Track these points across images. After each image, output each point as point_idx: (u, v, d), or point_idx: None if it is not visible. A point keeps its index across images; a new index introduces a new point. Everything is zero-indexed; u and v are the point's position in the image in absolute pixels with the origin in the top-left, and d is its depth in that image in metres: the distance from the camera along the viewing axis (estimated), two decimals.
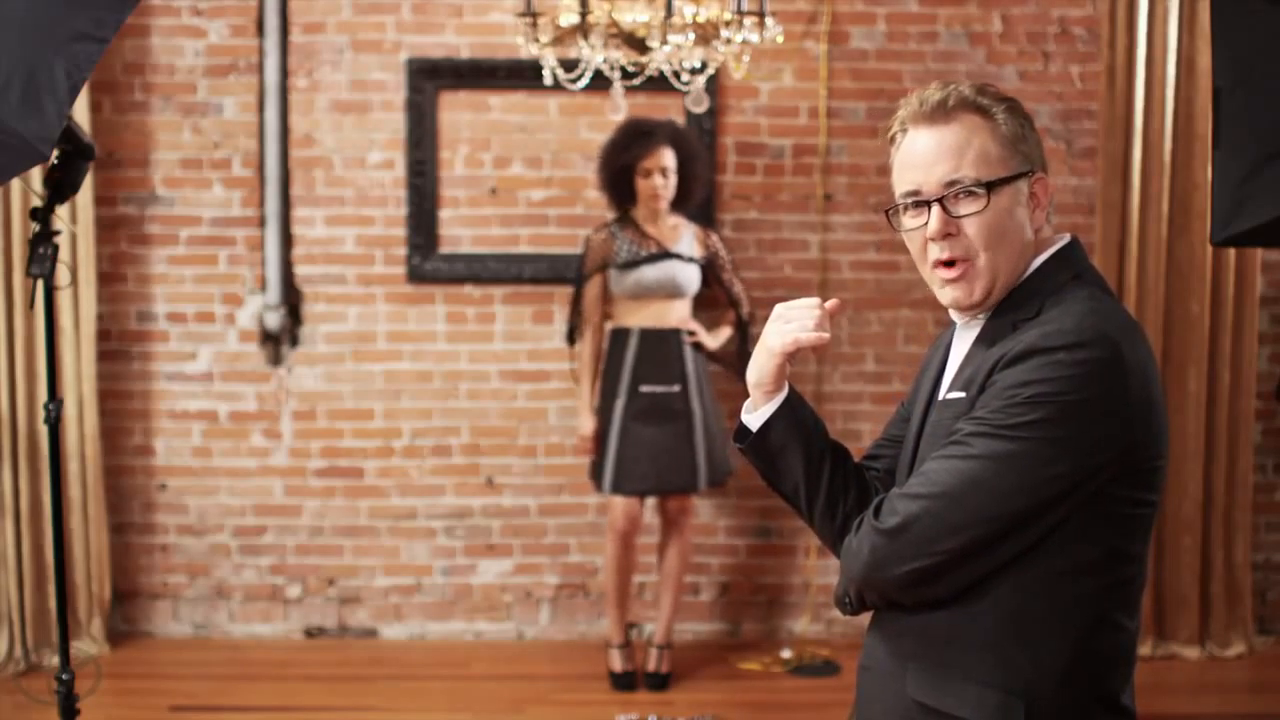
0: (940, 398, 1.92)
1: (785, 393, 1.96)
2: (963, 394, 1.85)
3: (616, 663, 4.78)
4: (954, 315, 1.97)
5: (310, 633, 5.24)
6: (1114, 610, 1.81)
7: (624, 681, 4.74)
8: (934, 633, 1.83)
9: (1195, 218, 4.91)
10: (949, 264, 1.88)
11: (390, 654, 5.09)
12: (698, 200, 4.82)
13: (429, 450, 5.20)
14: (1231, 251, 4.93)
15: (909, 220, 1.92)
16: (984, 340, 1.89)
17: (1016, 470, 1.73)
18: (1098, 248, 5.02)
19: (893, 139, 2.00)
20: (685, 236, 4.73)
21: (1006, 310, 1.88)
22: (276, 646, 5.15)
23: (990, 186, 1.86)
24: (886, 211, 1.96)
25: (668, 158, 4.63)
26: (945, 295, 1.91)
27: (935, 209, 1.88)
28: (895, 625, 1.89)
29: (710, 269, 4.76)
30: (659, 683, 4.74)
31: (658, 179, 4.62)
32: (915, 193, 1.90)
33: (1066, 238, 1.94)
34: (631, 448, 4.65)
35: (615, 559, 4.76)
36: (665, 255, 4.67)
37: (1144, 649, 5.07)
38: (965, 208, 1.86)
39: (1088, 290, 1.85)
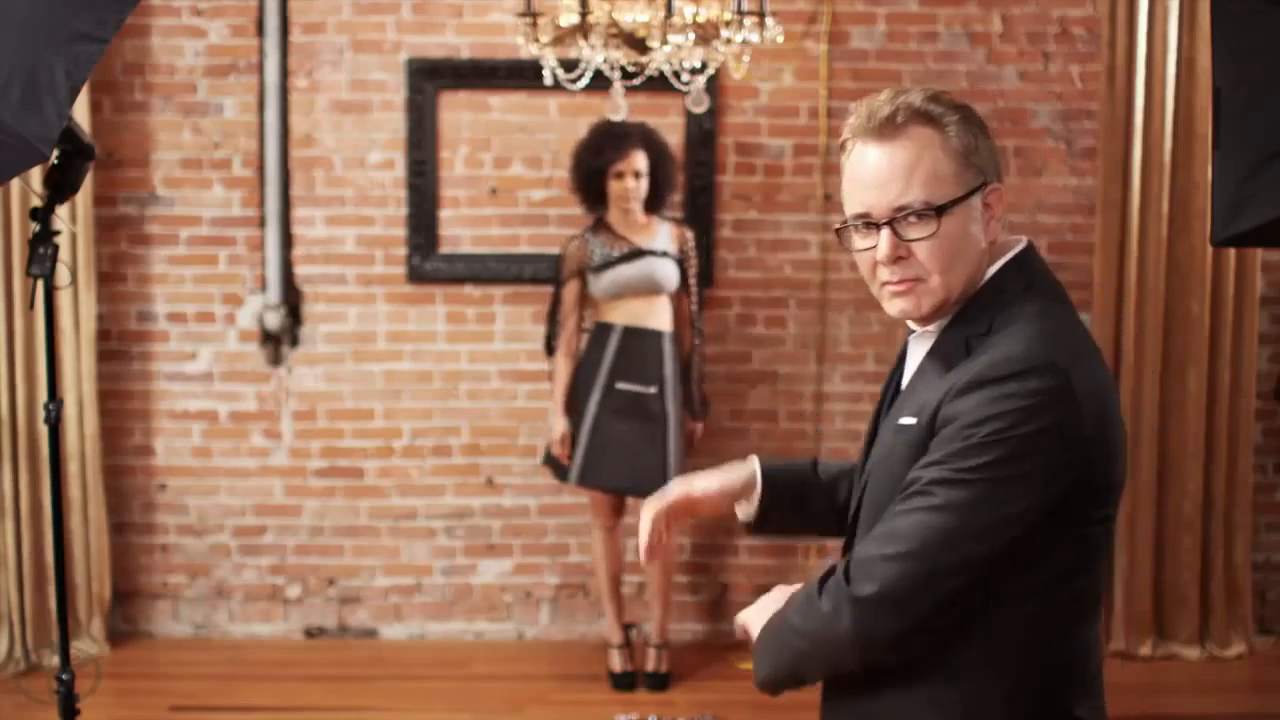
0: (894, 420, 1.87)
1: (759, 485, 2.02)
2: (914, 420, 1.81)
3: (616, 663, 4.78)
4: (909, 324, 1.93)
5: (310, 633, 5.24)
6: (1065, 624, 1.79)
7: (624, 681, 4.74)
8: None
9: (1195, 217, 4.91)
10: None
11: (390, 654, 5.09)
12: (668, 201, 4.85)
13: (429, 450, 5.20)
14: (1231, 251, 4.93)
15: (859, 241, 1.88)
16: (937, 355, 1.86)
17: (982, 514, 1.71)
18: (1098, 248, 5.02)
19: (843, 146, 1.93)
20: (660, 233, 4.74)
21: (960, 324, 1.85)
22: (276, 646, 5.15)
23: (941, 210, 1.82)
24: (838, 230, 1.92)
25: (640, 160, 4.65)
26: (893, 306, 1.88)
27: (885, 232, 1.83)
28: None
29: (680, 267, 4.76)
30: (659, 683, 4.74)
31: (630, 181, 4.64)
32: (865, 215, 1.85)
33: (1022, 243, 1.92)
34: (602, 442, 4.65)
35: (599, 553, 4.81)
36: (640, 253, 4.68)
37: (1144, 649, 5.08)
38: (916, 232, 1.82)
39: (1039, 305, 1.83)
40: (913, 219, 1.82)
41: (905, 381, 1.92)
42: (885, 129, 1.87)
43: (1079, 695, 1.82)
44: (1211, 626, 5.13)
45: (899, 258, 1.84)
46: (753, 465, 2.12)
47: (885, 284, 1.86)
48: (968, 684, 1.78)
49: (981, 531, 1.71)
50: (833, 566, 1.82)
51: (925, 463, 1.75)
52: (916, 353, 1.92)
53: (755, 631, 1.92)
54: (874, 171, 1.85)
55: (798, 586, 1.93)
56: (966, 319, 1.84)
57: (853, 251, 1.89)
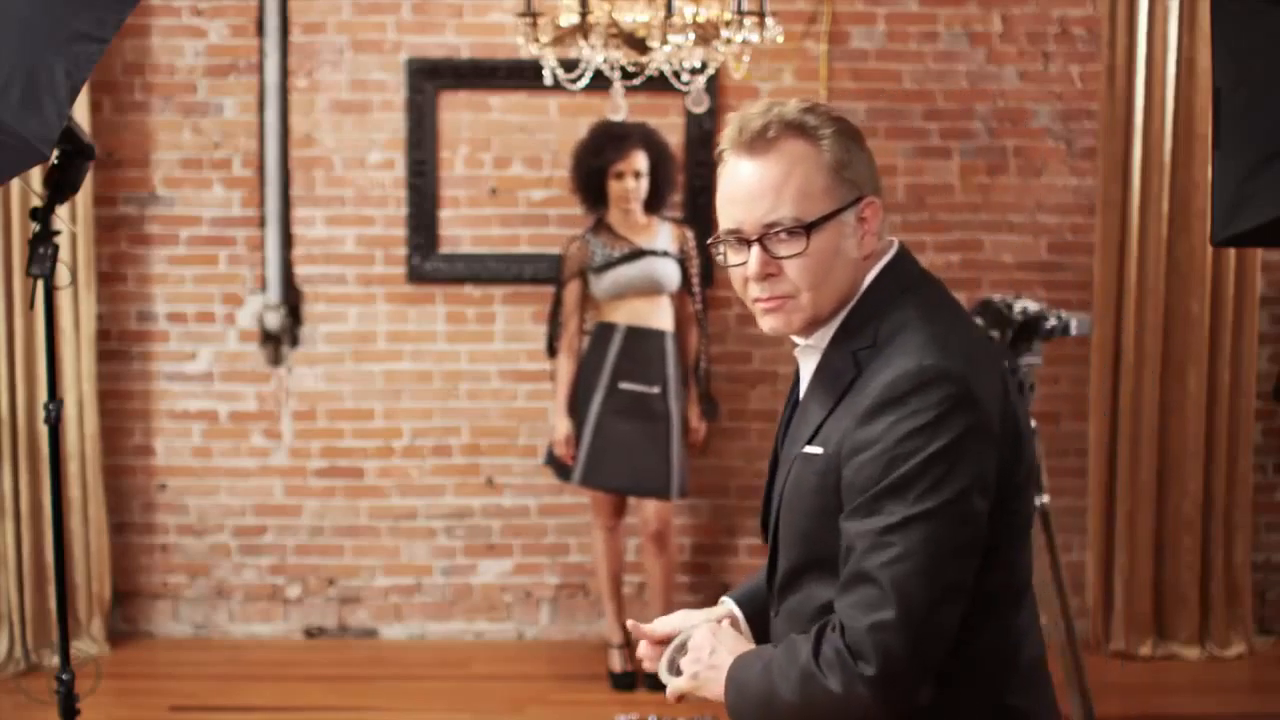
0: (798, 445, 1.85)
1: (741, 621, 2.00)
2: (820, 450, 1.80)
3: (616, 663, 4.78)
4: (791, 338, 1.92)
5: (310, 633, 5.24)
6: (989, 614, 1.80)
7: (624, 681, 4.74)
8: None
9: (1195, 217, 4.91)
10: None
11: (390, 654, 5.09)
12: (668, 201, 4.85)
13: (429, 450, 5.20)
14: (1231, 251, 4.93)
15: (732, 256, 1.86)
16: (826, 373, 1.86)
17: (945, 542, 1.70)
18: (1098, 248, 5.02)
19: (719, 158, 1.89)
20: (661, 232, 4.74)
21: (844, 338, 1.85)
22: (276, 646, 5.15)
23: (811, 227, 1.81)
24: (709, 244, 1.92)
25: (640, 160, 4.65)
26: (765, 323, 1.87)
27: (755, 249, 1.82)
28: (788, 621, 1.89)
29: (680, 266, 4.76)
30: (659, 683, 4.72)
31: (630, 181, 4.64)
32: (736, 231, 1.84)
33: (894, 247, 1.91)
34: (605, 441, 4.66)
35: (600, 552, 4.81)
36: (640, 253, 4.68)
37: (1144, 649, 5.08)
38: (786, 249, 1.81)
39: (919, 309, 1.82)
40: (783, 235, 1.81)
41: (804, 397, 1.91)
42: (756, 142, 1.83)
43: (1012, 684, 1.84)
44: (1211, 626, 5.13)
45: (769, 274, 1.83)
46: (728, 605, 2.05)
47: (756, 300, 1.85)
48: None
49: (954, 555, 1.71)
50: (811, 633, 1.77)
51: (859, 506, 1.73)
52: (806, 368, 1.92)
53: (707, 691, 1.90)
54: (745, 187, 1.83)
55: (701, 615, 1.94)
56: (849, 332, 1.84)
57: (725, 266, 1.89)
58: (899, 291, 1.85)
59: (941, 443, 1.70)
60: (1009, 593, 1.84)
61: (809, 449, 1.82)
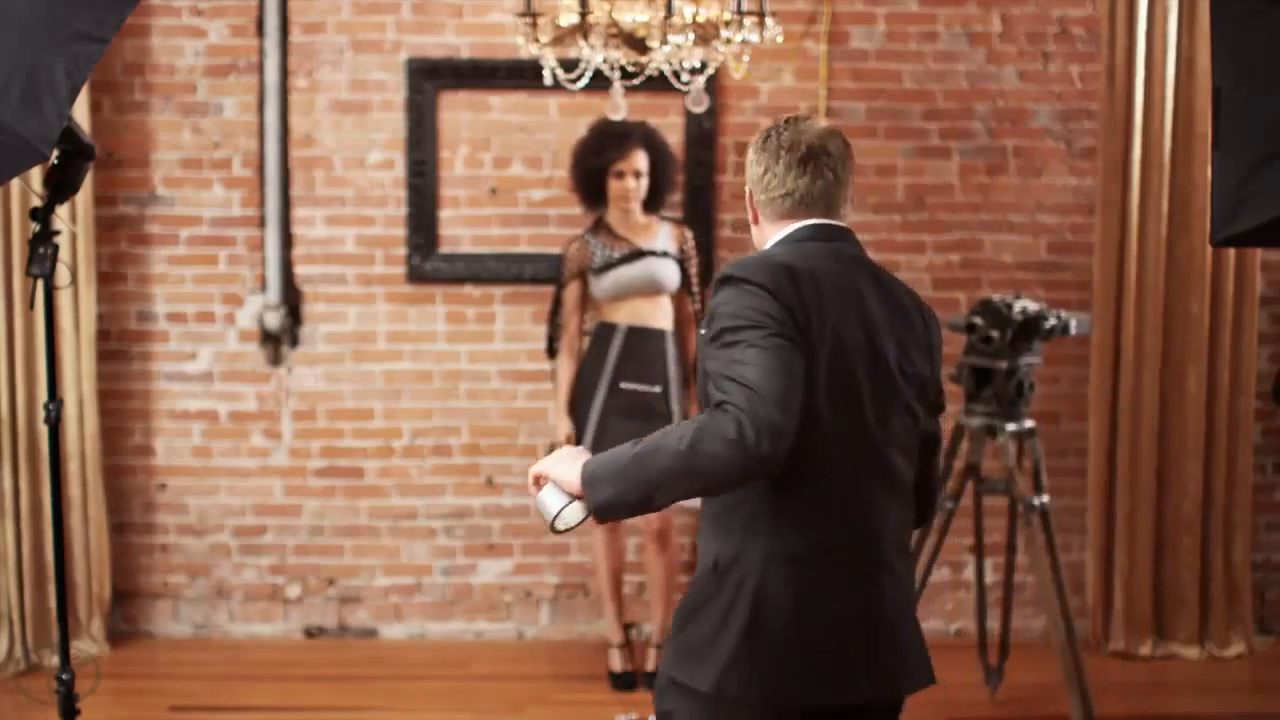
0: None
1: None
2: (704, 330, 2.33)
3: (616, 663, 4.78)
4: None
5: (310, 633, 5.24)
6: (776, 479, 2.24)
7: (624, 681, 4.75)
8: (705, 510, 2.38)
9: (1195, 217, 4.91)
10: None
11: (390, 654, 5.09)
12: (667, 201, 4.85)
13: (429, 450, 5.20)
14: (1231, 251, 4.93)
15: None
16: None
17: (766, 355, 2.20)
18: (1097, 247, 5.02)
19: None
20: (661, 233, 4.74)
21: None
22: (276, 646, 5.16)
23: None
24: None
25: (640, 160, 4.65)
26: None
27: None
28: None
29: (680, 266, 4.76)
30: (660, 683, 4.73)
31: (630, 181, 4.64)
32: None
33: (790, 228, 2.43)
34: (607, 441, 4.65)
35: (600, 552, 4.81)
36: (640, 254, 4.68)
37: (1143, 649, 5.08)
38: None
39: (764, 253, 2.43)
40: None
41: None
42: None
43: (795, 541, 2.29)
44: (1211, 626, 5.13)
45: None
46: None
47: None
48: (727, 521, 2.32)
49: (781, 363, 2.19)
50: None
51: (709, 351, 2.28)
52: None
53: (568, 474, 2.26)
54: None
55: (580, 449, 2.34)
56: None
57: None
58: (778, 245, 2.43)
59: (734, 308, 2.26)
60: (790, 478, 2.25)
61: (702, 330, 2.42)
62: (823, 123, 2.44)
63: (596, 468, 2.23)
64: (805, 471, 2.25)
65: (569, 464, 2.27)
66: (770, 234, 2.45)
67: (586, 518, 2.27)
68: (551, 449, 4.81)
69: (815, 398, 2.24)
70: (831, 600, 2.29)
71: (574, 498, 2.26)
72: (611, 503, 2.21)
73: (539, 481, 2.33)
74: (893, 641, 2.35)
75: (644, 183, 4.68)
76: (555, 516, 2.28)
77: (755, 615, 2.25)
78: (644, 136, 4.70)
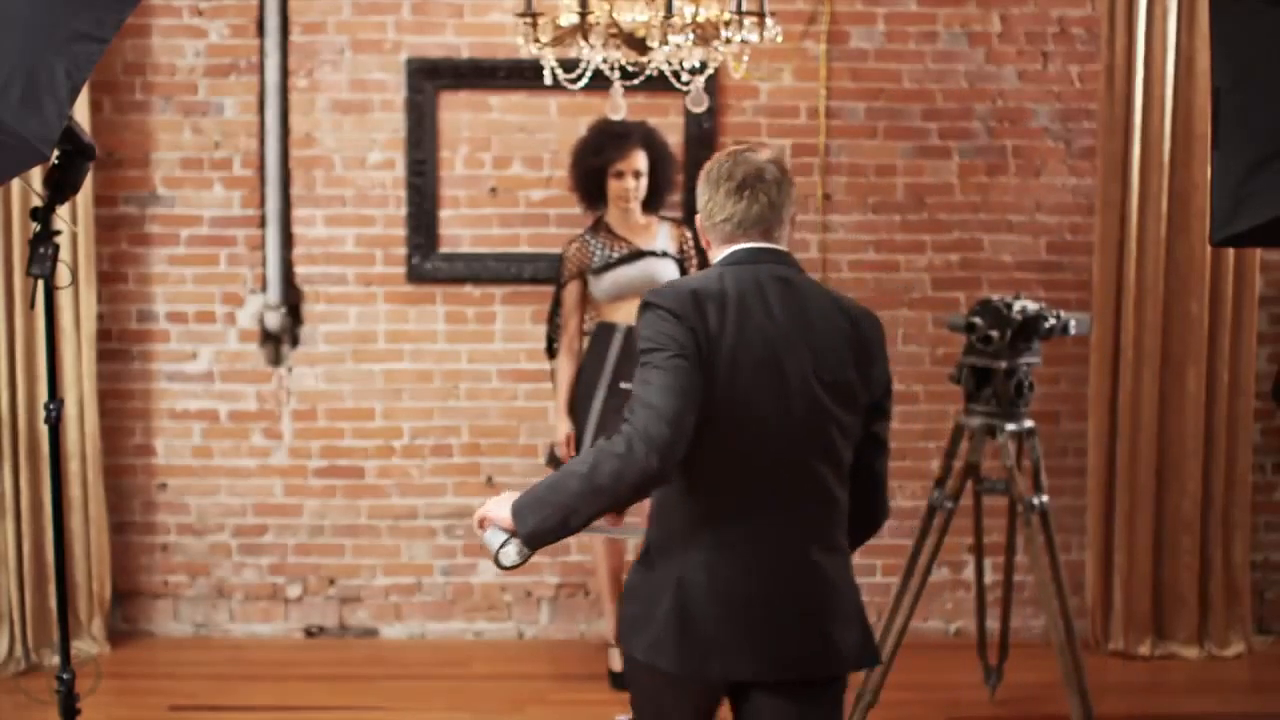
0: None
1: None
2: None
3: (616, 662, 4.78)
4: None
5: (310, 632, 5.25)
6: (691, 481, 2.54)
7: (624, 681, 4.74)
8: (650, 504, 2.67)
9: (1194, 217, 4.92)
10: None
11: (390, 654, 5.09)
12: (666, 201, 4.85)
13: (429, 450, 5.20)
14: (1230, 251, 4.94)
15: None
16: None
17: (665, 378, 2.50)
18: (1097, 247, 5.03)
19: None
20: (660, 233, 4.74)
21: None
22: (276, 646, 5.16)
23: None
24: None
25: (640, 160, 4.65)
26: None
27: None
28: None
29: (680, 266, 4.76)
30: None
31: (629, 180, 4.64)
32: None
33: (728, 250, 2.64)
34: None
35: (600, 552, 4.82)
36: (640, 254, 4.68)
37: (1143, 648, 5.08)
38: None
39: (701, 274, 2.67)
40: None
41: None
42: None
43: (700, 526, 2.57)
44: (1210, 626, 5.14)
45: None
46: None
47: None
48: (660, 509, 2.64)
49: (676, 385, 2.46)
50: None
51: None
52: None
53: (501, 512, 2.54)
54: None
55: (509, 494, 2.58)
56: None
57: None
58: (713, 267, 2.67)
59: (649, 332, 2.53)
60: (703, 480, 2.54)
61: None
62: (764, 154, 2.63)
63: (520, 501, 2.51)
64: (716, 474, 2.54)
65: (502, 503, 2.55)
66: (715, 257, 2.67)
67: (526, 552, 2.55)
68: (551, 449, 4.82)
69: (718, 408, 2.49)
70: (744, 588, 2.54)
71: (511, 534, 2.53)
72: (536, 530, 2.50)
73: (483, 524, 2.59)
74: (807, 627, 2.57)
75: (643, 183, 4.68)
76: (496, 553, 2.56)
77: (677, 598, 2.55)
78: (643, 136, 4.71)
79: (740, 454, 2.54)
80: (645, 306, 2.56)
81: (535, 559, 5.42)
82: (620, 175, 4.65)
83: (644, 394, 2.47)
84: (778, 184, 2.63)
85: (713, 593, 2.54)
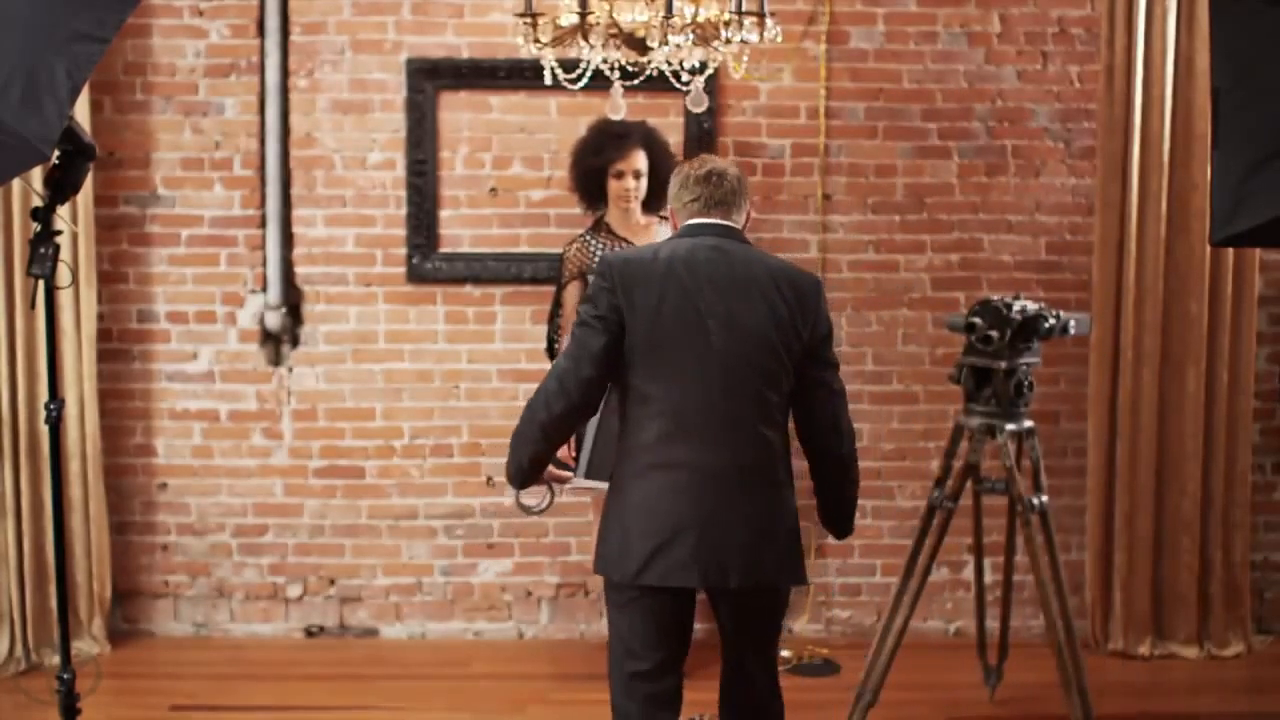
0: None
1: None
2: None
3: None
4: None
5: (310, 632, 5.25)
6: (630, 425, 3.12)
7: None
8: None
9: (1194, 217, 4.92)
10: None
11: (390, 654, 5.10)
12: (666, 201, 4.84)
13: (429, 450, 5.20)
14: (1230, 251, 4.94)
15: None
16: None
17: (576, 339, 3.11)
18: (1096, 247, 5.03)
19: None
20: (661, 233, 4.74)
21: None
22: (277, 646, 5.16)
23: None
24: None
25: (640, 160, 4.65)
26: None
27: None
28: None
29: None
30: None
31: (630, 181, 4.65)
32: None
33: (680, 228, 3.23)
34: (608, 439, 4.65)
35: None
36: None
37: (1142, 648, 5.08)
38: None
39: (652, 245, 3.23)
40: None
41: None
42: None
43: (645, 452, 3.09)
44: (1210, 626, 5.14)
45: None
46: None
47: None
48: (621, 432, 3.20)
49: (581, 345, 3.06)
50: None
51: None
52: None
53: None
54: None
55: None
56: None
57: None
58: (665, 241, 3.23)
59: (590, 290, 3.14)
60: (635, 395, 3.09)
61: None
62: (726, 162, 3.28)
63: None
64: (647, 410, 3.06)
65: None
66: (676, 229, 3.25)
67: (529, 500, 3.47)
68: None
69: (642, 357, 3.03)
70: (676, 509, 3.03)
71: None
72: (513, 473, 3.16)
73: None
74: (730, 544, 3.03)
75: (644, 183, 4.68)
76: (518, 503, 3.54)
77: (623, 522, 3.09)
78: (643, 136, 4.71)
79: (669, 399, 3.04)
80: (597, 266, 3.14)
81: (535, 559, 5.45)
82: (620, 175, 4.65)
83: (564, 349, 3.16)
84: (738, 179, 3.22)
85: (650, 512, 3.04)
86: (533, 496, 3.21)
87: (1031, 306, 4.08)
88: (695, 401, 3.03)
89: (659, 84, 3.91)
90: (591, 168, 4.69)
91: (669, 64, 3.71)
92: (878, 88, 5.18)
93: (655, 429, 3.06)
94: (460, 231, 5.17)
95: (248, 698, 4.62)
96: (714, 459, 3.04)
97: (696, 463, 3.04)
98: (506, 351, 5.19)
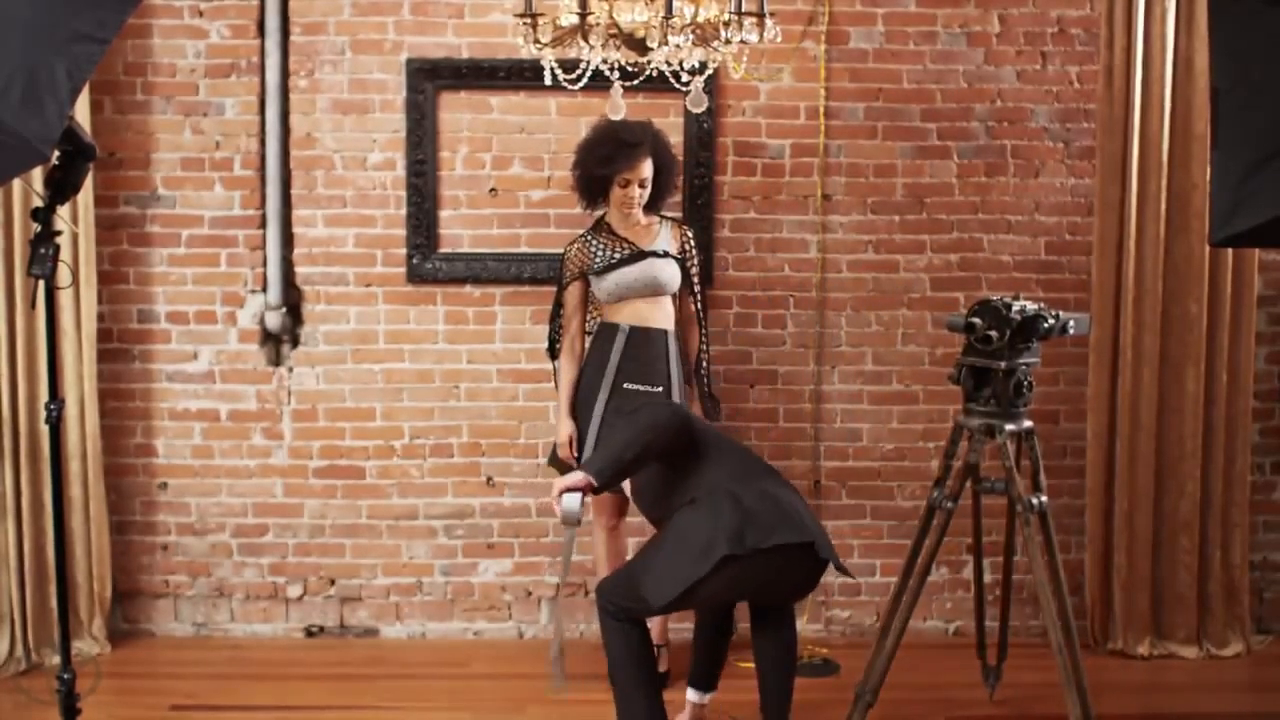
0: None
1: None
2: None
3: None
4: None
5: (310, 632, 5.25)
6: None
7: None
8: None
9: (1193, 217, 4.92)
10: None
11: (390, 653, 5.10)
12: (667, 202, 4.86)
13: (429, 450, 5.21)
14: (1229, 251, 4.94)
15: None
16: None
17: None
18: (1096, 247, 5.03)
19: None
20: (662, 233, 4.75)
21: None
22: (277, 646, 5.16)
23: None
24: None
25: (647, 169, 4.65)
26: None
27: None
28: None
29: (681, 266, 4.76)
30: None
31: (635, 190, 4.65)
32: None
33: None
34: (609, 438, 4.65)
35: (601, 552, 4.82)
36: (641, 254, 4.68)
37: (1141, 648, 5.09)
38: None
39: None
40: None
41: None
42: None
43: None
44: (1209, 626, 5.14)
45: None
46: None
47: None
48: None
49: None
50: None
51: None
52: None
53: (574, 477, 3.67)
54: None
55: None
56: None
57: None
58: None
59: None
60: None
61: None
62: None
63: (588, 458, 3.52)
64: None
65: (571, 474, 3.66)
66: None
67: (587, 501, 3.67)
68: (553, 450, 4.82)
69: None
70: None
71: (583, 493, 3.61)
72: (602, 467, 3.59)
73: (560, 497, 3.62)
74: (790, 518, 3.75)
75: (648, 189, 4.68)
76: (567, 508, 3.59)
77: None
78: (652, 144, 4.67)
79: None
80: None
81: (535, 559, 5.46)
82: (626, 184, 4.64)
83: None
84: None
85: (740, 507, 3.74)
86: (583, 503, 3.58)
87: (1031, 307, 4.08)
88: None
89: (659, 84, 3.91)
90: (599, 175, 4.67)
91: (669, 64, 3.71)
92: (877, 88, 5.18)
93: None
94: (460, 231, 5.17)
95: (248, 698, 4.62)
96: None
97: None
98: (506, 352, 5.19)
